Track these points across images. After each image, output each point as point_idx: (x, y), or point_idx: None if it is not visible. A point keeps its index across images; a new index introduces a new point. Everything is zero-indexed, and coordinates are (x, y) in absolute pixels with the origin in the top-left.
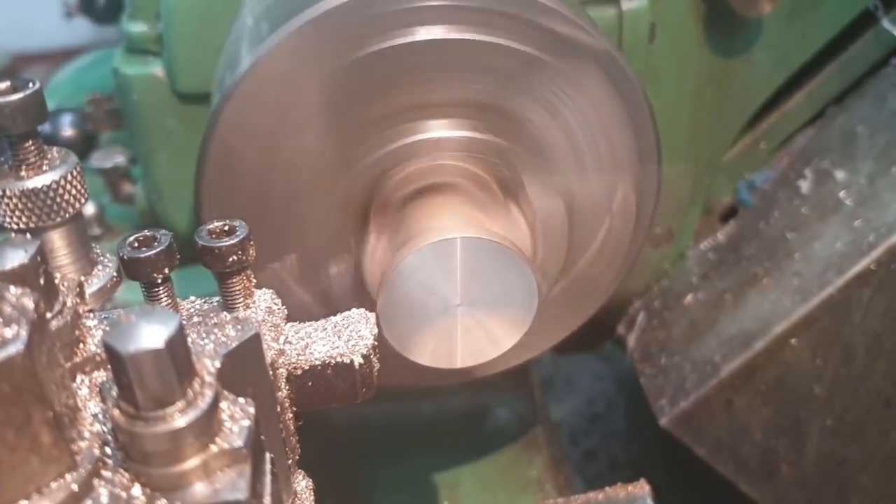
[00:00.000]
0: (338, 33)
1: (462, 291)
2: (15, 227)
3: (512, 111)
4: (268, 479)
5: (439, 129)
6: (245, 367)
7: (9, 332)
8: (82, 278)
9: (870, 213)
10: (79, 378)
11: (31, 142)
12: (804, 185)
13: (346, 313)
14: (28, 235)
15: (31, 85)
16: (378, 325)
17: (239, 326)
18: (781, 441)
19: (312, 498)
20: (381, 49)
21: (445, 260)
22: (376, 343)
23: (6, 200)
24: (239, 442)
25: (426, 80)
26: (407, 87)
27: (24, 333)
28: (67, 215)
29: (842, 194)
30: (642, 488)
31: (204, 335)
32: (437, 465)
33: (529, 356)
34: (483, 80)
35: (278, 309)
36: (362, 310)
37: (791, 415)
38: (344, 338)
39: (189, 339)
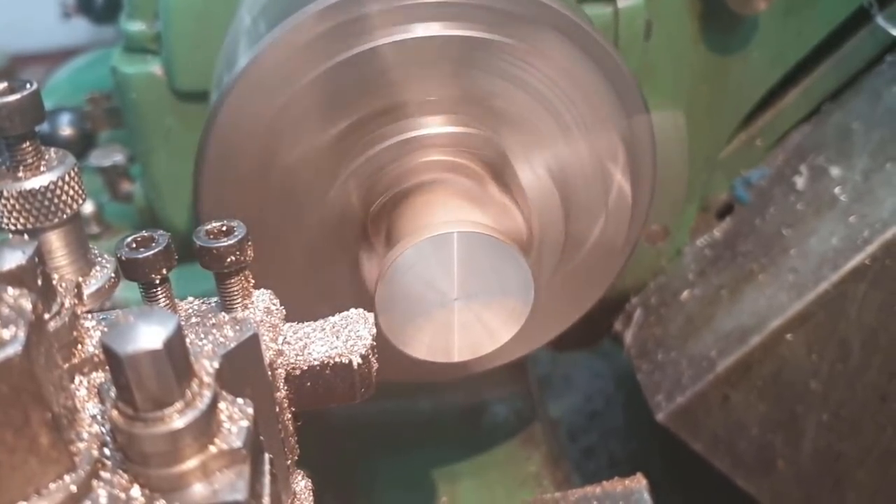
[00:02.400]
0: (334, 31)
1: (459, 285)
2: (13, 228)
3: (488, 98)
4: (267, 479)
5: (428, 126)
6: (244, 368)
7: (7, 334)
8: (80, 279)
9: (865, 209)
10: (77, 379)
11: (28, 143)
12: (800, 182)
13: (345, 313)
14: (26, 236)
15: (28, 86)
16: (375, 320)
17: (237, 327)
18: (778, 436)
19: (311, 498)
20: (374, 47)
21: (442, 254)
22: (375, 343)
23: (4, 201)
24: (238, 442)
25: (411, 77)
26: (394, 85)
27: (22, 335)
28: (65, 216)
29: (837, 190)
30: (639, 482)
31: (202, 336)
32: (435, 461)
33: (527, 351)
34: (458, 72)
35: (276, 309)
36: (360, 310)
37: (787, 410)
38: (342, 338)
39: (187, 340)
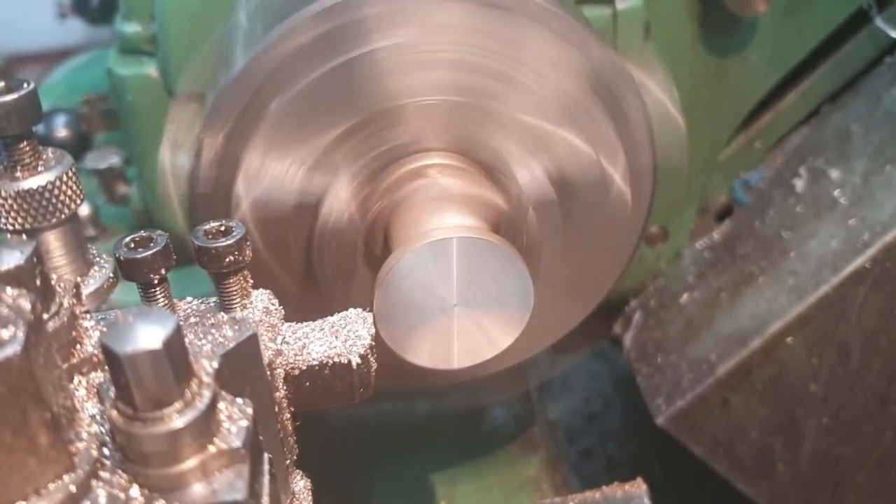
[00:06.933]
0: (331, 33)
1: (458, 291)
2: (11, 228)
3: (482, 97)
4: (266, 479)
5: (424, 130)
6: (243, 368)
7: (6, 334)
8: (79, 279)
9: (864, 212)
10: (76, 379)
11: (26, 143)
12: (799, 184)
13: (344, 313)
14: (24, 237)
15: (25, 85)
16: (375, 326)
17: (236, 327)
18: (777, 439)
19: (310, 498)
20: (371, 51)
21: (441, 260)
22: (373, 343)
23: (2, 201)
24: (237, 442)
25: (406, 81)
26: (390, 89)
27: (20, 335)
28: (63, 216)
29: (836, 193)
30: (639, 487)
31: (201, 336)
32: (434, 465)
33: (527, 356)
34: (453, 73)
35: (275, 309)
36: (359, 310)
37: (787, 413)
38: (341, 338)
39: (186, 340)
